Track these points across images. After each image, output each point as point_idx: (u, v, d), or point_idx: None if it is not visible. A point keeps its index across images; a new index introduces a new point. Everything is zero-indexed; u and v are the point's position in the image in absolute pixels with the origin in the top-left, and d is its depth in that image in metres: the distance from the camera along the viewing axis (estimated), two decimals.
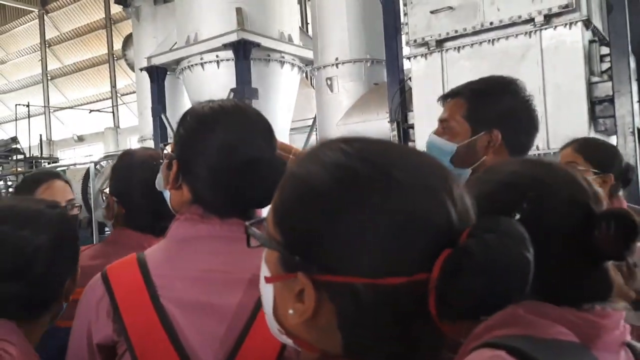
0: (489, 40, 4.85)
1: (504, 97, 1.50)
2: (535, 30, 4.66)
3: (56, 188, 1.97)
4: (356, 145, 0.62)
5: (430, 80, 5.09)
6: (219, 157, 1.03)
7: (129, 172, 1.62)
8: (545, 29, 4.63)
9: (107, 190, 1.70)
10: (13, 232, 1.12)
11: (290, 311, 0.60)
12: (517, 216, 0.73)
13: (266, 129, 1.11)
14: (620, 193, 2.09)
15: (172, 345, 0.94)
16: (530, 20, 4.66)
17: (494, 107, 1.49)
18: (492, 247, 0.54)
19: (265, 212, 1.18)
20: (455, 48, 5.05)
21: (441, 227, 0.56)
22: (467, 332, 0.72)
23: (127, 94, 17.81)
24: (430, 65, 5.16)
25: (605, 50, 4.70)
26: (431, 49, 5.16)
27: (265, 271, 0.65)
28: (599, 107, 4.64)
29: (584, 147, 2.04)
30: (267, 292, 0.64)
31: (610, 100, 4.56)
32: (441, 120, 1.57)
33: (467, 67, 4.83)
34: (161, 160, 1.20)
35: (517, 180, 0.80)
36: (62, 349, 1.16)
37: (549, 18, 4.61)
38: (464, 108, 1.51)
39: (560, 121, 4.38)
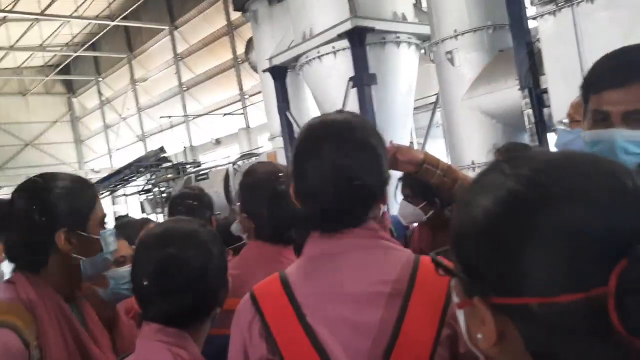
0: None
1: None
2: None
3: None
4: (517, 166, 0.61)
5: (562, 39, 4.64)
6: (314, 178, 1.08)
7: (253, 189, 1.75)
8: None
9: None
10: (179, 253, 1.29)
11: (479, 335, 0.61)
12: None
13: (368, 147, 1.10)
14: None
15: None
16: None
17: None
18: None
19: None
20: None
21: (608, 237, 0.52)
22: None
23: (253, 94, 18.70)
24: (560, 23, 4.71)
25: None
26: (560, 4, 4.70)
27: (454, 297, 0.66)
28: None
29: None
30: (460, 317, 0.66)
31: None
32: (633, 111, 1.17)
33: (604, 19, 4.31)
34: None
35: None
36: (217, 356, 1.28)
37: None
38: None
39: None
